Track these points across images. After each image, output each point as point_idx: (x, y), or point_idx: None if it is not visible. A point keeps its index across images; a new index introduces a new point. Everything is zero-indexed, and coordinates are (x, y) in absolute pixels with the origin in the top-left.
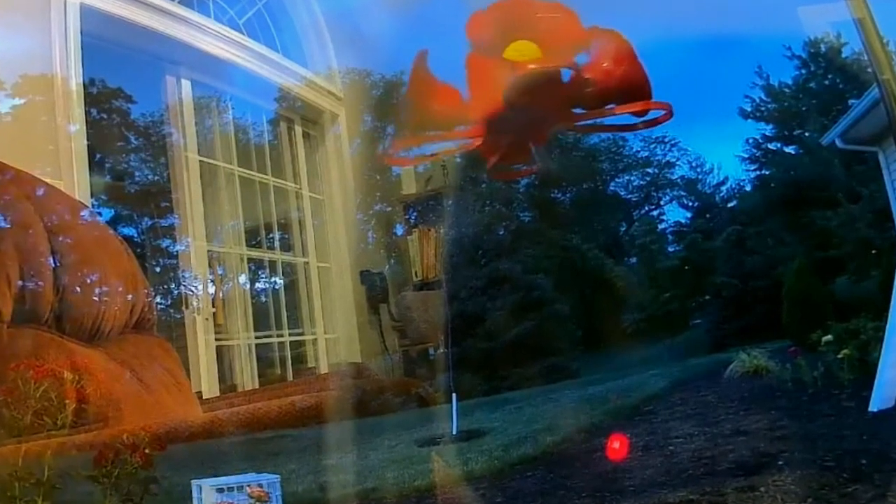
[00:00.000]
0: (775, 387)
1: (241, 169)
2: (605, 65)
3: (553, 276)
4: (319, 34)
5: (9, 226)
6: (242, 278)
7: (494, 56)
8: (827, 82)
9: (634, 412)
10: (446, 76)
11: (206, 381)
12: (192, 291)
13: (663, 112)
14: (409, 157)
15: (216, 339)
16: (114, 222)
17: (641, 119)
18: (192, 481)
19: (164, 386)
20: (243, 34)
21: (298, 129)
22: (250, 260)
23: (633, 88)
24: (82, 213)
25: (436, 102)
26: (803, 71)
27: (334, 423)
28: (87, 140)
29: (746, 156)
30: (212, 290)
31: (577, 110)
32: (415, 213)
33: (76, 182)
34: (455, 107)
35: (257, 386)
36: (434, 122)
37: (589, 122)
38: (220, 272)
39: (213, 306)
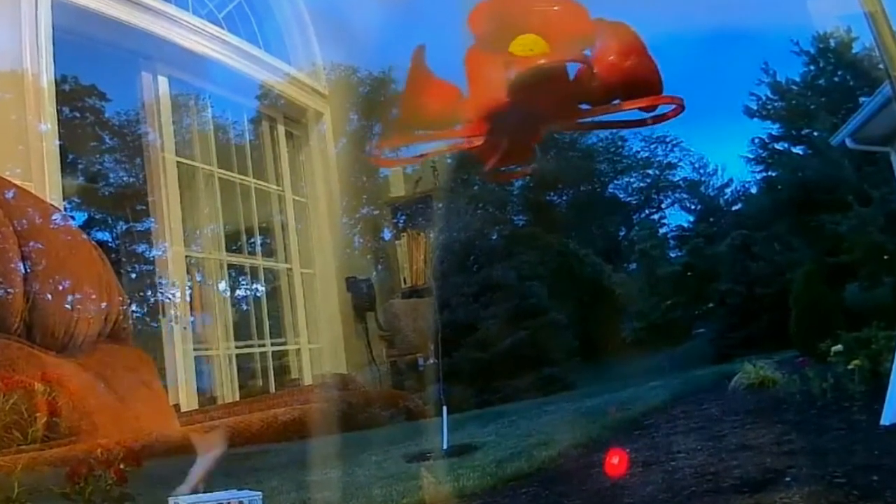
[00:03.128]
0: (782, 399)
1: (220, 170)
2: (612, 58)
3: (549, 282)
4: (303, 28)
5: None
6: (222, 285)
7: (498, 50)
8: (837, 79)
9: (634, 426)
10: (438, 72)
11: (184, 393)
12: (169, 299)
13: (673, 106)
14: (397, 156)
15: (194, 349)
16: (87, 226)
17: (650, 114)
18: (169, 498)
19: (139, 398)
20: (223, 28)
21: (281, 129)
22: (230, 266)
23: (643, 82)
24: (54, 217)
25: (435, 100)
26: (812, 67)
27: (319, 438)
28: (59, 140)
29: (752, 156)
30: (190, 297)
31: (583, 106)
32: (403, 217)
33: (47, 184)
34: (454, 105)
35: (238, 398)
36: (431, 121)
37: (595, 118)
38: (198, 279)
39: (192, 314)
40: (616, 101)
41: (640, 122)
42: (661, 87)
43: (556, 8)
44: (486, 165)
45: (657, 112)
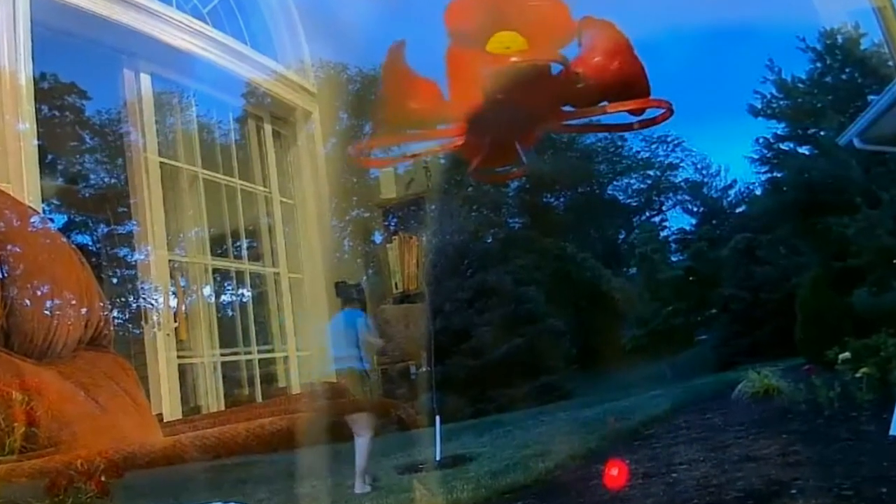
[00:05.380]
0: (788, 408)
1: (205, 171)
2: (597, 58)
3: (545, 287)
4: (291, 24)
5: None
6: (207, 290)
7: (476, 48)
8: (844, 76)
9: (634, 436)
10: (430, 70)
11: (168, 403)
12: (152, 305)
13: (662, 111)
14: (386, 157)
15: (178, 357)
16: (67, 229)
17: (638, 118)
18: None
19: (121, 407)
20: (208, 24)
21: (268, 128)
22: (215, 270)
23: (629, 84)
24: (32, 220)
25: (413, 99)
26: (819, 64)
27: (307, 448)
28: (38, 140)
29: (756, 157)
30: (174, 303)
31: (568, 108)
32: (395, 219)
33: (25, 185)
34: (434, 104)
35: (223, 407)
36: (412, 120)
37: (580, 121)
38: (182, 284)
39: (175, 321)
40: (603, 104)
41: (628, 127)
42: (648, 90)
43: (533, 3)
44: (470, 165)
45: (645, 116)
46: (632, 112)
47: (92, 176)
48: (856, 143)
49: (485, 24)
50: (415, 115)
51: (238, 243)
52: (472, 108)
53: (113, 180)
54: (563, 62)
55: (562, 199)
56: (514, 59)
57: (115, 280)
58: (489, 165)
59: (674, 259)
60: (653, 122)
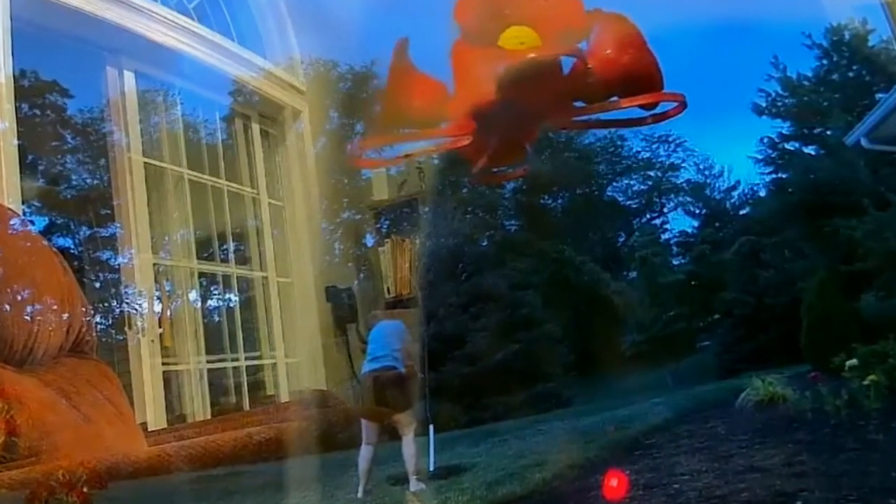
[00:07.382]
0: (793, 417)
1: (191, 171)
2: (609, 52)
3: (543, 292)
4: (279, 19)
5: None
6: (193, 295)
7: (486, 44)
8: (852, 74)
9: (634, 446)
10: (425, 66)
11: (152, 411)
12: (135, 310)
13: (675, 104)
14: (380, 157)
15: (163, 364)
16: (48, 232)
17: (650, 112)
18: None
19: (104, 416)
20: (193, 19)
21: (256, 127)
22: (202, 274)
23: (643, 78)
24: (12, 222)
25: (418, 97)
26: (825, 61)
27: (296, 458)
28: (18, 139)
29: (761, 157)
30: (158, 308)
31: (579, 103)
32: (387, 222)
33: (5, 186)
34: (439, 102)
35: (209, 416)
36: (415, 119)
37: (591, 116)
38: (167, 288)
39: (160, 326)
40: (614, 99)
41: (640, 121)
42: (662, 84)
43: None
44: (474, 166)
45: (658, 110)
46: (644, 106)
47: (74, 177)
48: (863, 142)
49: (496, 19)
50: (419, 114)
51: (225, 246)
52: (482, 106)
53: (95, 181)
54: (579, 56)
55: (560, 201)
56: (531, 54)
57: (97, 284)
58: (495, 164)
59: (675, 263)
60: (665, 115)
